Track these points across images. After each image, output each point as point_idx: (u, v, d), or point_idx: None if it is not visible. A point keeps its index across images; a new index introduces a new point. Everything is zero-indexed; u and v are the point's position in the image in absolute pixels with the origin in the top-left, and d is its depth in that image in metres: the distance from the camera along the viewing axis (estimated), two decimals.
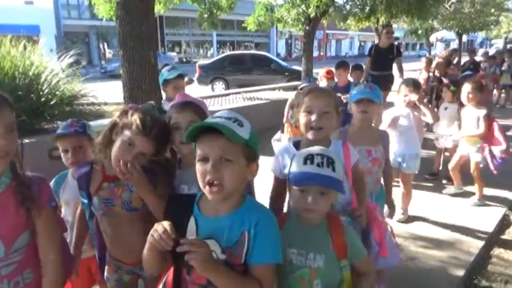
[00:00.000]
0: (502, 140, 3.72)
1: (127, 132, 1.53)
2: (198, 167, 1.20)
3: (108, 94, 8.90)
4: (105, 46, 33.14)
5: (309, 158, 1.42)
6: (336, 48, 49.20)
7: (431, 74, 7.04)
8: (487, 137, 3.78)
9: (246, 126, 1.21)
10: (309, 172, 1.39)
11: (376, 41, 13.84)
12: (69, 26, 28.29)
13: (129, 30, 6.52)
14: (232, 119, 1.19)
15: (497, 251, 3.18)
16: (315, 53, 22.09)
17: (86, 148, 2.01)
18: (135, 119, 1.53)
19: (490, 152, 3.75)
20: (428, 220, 3.59)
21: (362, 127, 2.34)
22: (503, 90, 10.10)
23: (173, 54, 39.05)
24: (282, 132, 5.34)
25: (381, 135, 2.42)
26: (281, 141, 5.17)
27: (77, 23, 29.04)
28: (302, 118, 1.79)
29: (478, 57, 10.62)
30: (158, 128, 1.55)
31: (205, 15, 9.54)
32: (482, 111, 3.80)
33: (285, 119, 5.22)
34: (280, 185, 1.82)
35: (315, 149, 1.48)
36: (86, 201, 1.67)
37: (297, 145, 1.85)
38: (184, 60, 37.18)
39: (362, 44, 52.65)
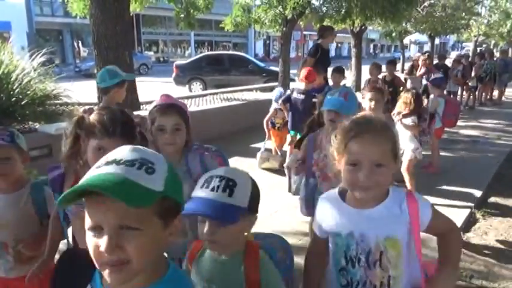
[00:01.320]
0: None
1: (93, 139, 1.50)
2: (89, 239, 0.79)
3: (82, 94, 8.71)
4: (80, 44, 32.38)
5: (207, 181, 1.18)
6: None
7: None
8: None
9: (158, 169, 0.81)
10: (199, 197, 1.15)
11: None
12: (42, 23, 27.51)
13: (103, 30, 6.44)
14: (136, 164, 0.78)
15: (462, 248, 3.31)
16: (293, 54, 22.30)
17: (15, 160, 1.80)
18: (93, 123, 1.50)
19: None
20: None
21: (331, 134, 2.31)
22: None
23: (150, 53, 38.57)
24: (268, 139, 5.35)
25: None
26: (265, 150, 5.22)
27: (50, 20, 28.28)
28: (345, 172, 1.27)
29: (449, 61, 10.93)
30: (121, 124, 1.51)
31: (182, 15, 9.49)
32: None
33: (265, 125, 5.20)
34: (320, 245, 1.44)
35: (221, 170, 1.23)
36: None
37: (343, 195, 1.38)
38: (162, 59, 36.75)
39: (339, 45, 53.38)
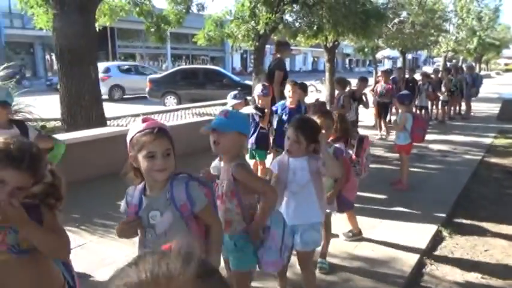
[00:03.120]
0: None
1: None
2: None
3: (51, 108, 8.42)
4: (53, 57, 31.63)
5: None
6: (290, 63, 50.25)
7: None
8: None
9: None
10: None
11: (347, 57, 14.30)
12: (12, 35, 26.76)
13: (67, 43, 6.23)
14: None
15: (429, 268, 3.24)
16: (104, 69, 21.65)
17: None
18: None
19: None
20: (366, 238, 3.62)
21: (224, 159, 2.08)
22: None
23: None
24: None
25: (235, 167, 2.00)
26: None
27: (21, 33, 27.57)
28: None
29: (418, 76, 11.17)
30: (29, 155, 1.38)
31: (152, 29, 9.35)
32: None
33: None
34: None
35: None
36: None
37: None
38: None
39: (315, 59, 54.25)
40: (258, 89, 4.81)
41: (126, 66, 19.49)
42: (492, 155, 7.06)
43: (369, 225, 3.88)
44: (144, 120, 1.65)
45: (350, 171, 3.05)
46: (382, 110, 8.44)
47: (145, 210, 1.68)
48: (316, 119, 2.75)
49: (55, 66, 31.08)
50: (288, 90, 4.52)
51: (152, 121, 1.67)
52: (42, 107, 7.81)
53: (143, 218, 1.69)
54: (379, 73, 9.65)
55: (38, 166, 1.41)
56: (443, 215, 4.17)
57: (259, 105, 4.76)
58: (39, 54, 30.16)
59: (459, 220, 4.20)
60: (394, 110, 8.83)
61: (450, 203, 4.54)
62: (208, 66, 16.78)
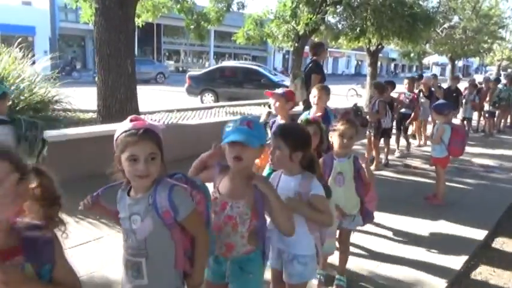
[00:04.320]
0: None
1: None
2: None
3: (92, 100, 8.68)
4: None
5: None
6: (333, 66, 49.48)
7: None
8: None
9: None
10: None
11: (367, 61, 13.83)
12: (66, 28, 28.15)
13: (106, 37, 6.37)
14: None
15: None
16: None
17: None
18: None
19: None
20: (391, 257, 3.37)
21: (234, 175, 1.80)
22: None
23: (170, 62, 39.12)
24: None
25: (254, 188, 1.74)
26: None
27: (74, 26, 28.90)
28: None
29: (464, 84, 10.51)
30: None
31: (192, 26, 9.42)
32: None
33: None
34: None
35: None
36: None
37: None
38: (181, 69, 37.05)
39: (359, 63, 53.05)
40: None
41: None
42: None
43: (396, 241, 3.62)
44: (131, 120, 1.53)
45: (371, 183, 2.81)
46: (400, 122, 7.26)
47: (128, 211, 1.56)
48: (340, 126, 2.57)
49: None
50: (313, 95, 3.92)
51: (140, 121, 1.53)
52: (84, 99, 8.09)
53: (125, 220, 1.58)
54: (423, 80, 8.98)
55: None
56: (482, 237, 3.81)
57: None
58: (90, 48, 31.52)
59: (500, 244, 3.83)
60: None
61: (491, 224, 4.16)
62: (247, 65, 16.66)
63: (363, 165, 2.73)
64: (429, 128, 8.56)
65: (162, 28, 34.77)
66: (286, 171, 2.04)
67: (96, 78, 6.57)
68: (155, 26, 30.67)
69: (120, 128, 1.54)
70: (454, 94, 8.75)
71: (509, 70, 33.69)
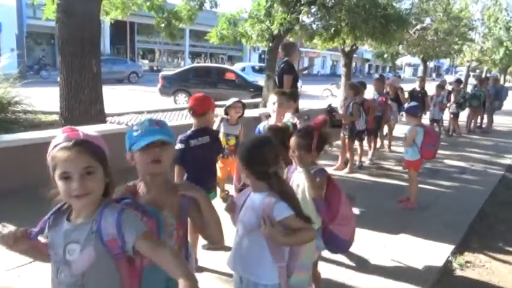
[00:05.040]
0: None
1: None
2: None
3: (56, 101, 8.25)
4: None
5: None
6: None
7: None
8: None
9: None
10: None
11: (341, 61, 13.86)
12: (35, 26, 27.04)
13: (69, 35, 6.02)
14: None
15: None
16: (241, 67, 21.86)
17: None
18: None
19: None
20: (364, 267, 3.25)
21: (151, 184, 1.57)
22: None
23: (145, 62, 38.36)
24: None
25: (180, 199, 1.56)
26: None
27: (43, 24, 27.68)
28: None
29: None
30: None
31: (162, 25, 9.12)
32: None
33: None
34: None
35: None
36: None
37: None
38: (155, 68, 36.42)
39: (334, 63, 53.57)
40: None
41: (258, 67, 22.78)
42: None
43: (370, 250, 3.51)
44: (64, 131, 1.31)
45: (339, 199, 2.32)
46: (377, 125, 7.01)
47: (63, 239, 1.30)
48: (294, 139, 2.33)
49: None
50: (272, 102, 3.38)
51: (73, 132, 1.31)
52: (52, 99, 7.65)
53: (57, 249, 1.31)
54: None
55: None
56: (454, 244, 3.73)
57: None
58: None
59: (473, 250, 3.77)
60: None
61: (463, 228, 4.12)
62: (221, 65, 16.50)
63: (317, 179, 2.30)
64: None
65: (136, 26, 34.01)
66: (251, 189, 1.87)
67: (59, 79, 6.21)
68: (128, 24, 29.97)
69: (53, 142, 1.31)
70: (420, 95, 8.66)
71: (477, 71, 34.74)
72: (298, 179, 2.37)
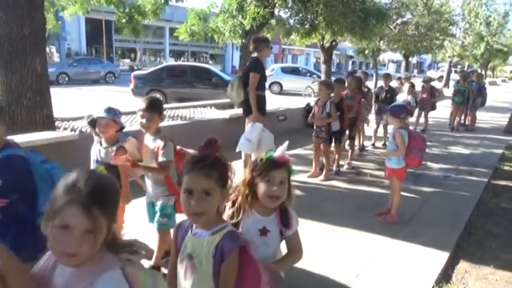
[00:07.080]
0: None
1: None
2: None
3: None
4: (53, 49, 30.60)
5: None
6: (292, 63, 49.32)
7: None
8: None
9: None
10: None
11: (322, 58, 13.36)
12: None
13: (7, 31, 5.30)
14: None
15: None
16: (271, 69, 21.54)
17: None
18: None
19: None
20: None
21: None
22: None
23: (126, 61, 37.35)
24: None
25: None
26: None
27: None
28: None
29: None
30: None
31: (123, 20, 8.43)
32: None
33: None
34: None
35: None
36: None
37: None
38: (136, 68, 35.45)
39: (318, 60, 53.31)
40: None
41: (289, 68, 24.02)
42: (500, 177, 6.15)
43: (346, 274, 2.96)
44: None
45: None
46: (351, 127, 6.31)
47: None
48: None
49: (56, 59, 30.07)
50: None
51: None
52: None
53: None
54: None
55: None
56: (439, 268, 3.21)
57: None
58: None
59: (461, 274, 3.26)
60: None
61: (449, 247, 3.61)
62: (196, 63, 15.90)
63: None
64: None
65: (113, 25, 32.97)
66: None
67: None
68: (104, 23, 28.98)
69: None
70: (388, 94, 7.79)
71: (459, 67, 34.79)
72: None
